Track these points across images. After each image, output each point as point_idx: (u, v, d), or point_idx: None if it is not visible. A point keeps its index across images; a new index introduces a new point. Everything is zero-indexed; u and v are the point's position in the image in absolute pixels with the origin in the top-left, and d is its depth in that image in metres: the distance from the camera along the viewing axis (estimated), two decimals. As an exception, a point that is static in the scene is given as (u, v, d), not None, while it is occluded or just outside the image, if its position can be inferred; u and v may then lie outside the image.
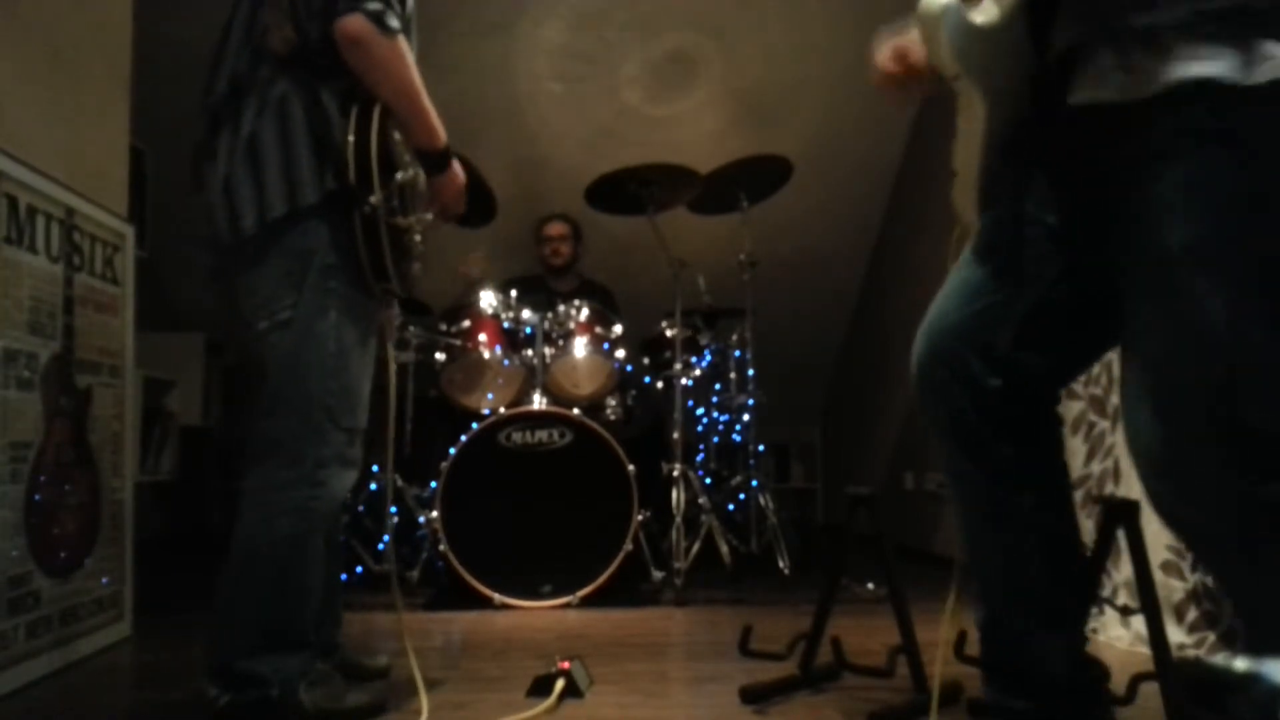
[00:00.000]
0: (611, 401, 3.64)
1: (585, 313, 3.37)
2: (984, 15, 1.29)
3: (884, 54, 1.49)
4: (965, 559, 1.50)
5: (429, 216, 1.92)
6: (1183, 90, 1.13)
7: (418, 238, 1.90)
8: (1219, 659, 1.98)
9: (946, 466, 1.48)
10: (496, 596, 2.96)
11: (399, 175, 1.81)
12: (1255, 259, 1.15)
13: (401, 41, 1.74)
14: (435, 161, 1.90)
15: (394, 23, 1.72)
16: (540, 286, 4.12)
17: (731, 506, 3.80)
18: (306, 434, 1.72)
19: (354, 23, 1.68)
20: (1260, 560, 1.16)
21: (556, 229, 4.21)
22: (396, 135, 1.82)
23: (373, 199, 1.71)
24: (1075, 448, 2.74)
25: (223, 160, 1.75)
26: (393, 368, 1.92)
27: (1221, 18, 1.12)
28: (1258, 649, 1.12)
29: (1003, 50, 1.31)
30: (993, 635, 1.48)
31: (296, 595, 1.74)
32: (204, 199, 1.79)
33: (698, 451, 4.04)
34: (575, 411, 3.16)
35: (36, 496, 2.03)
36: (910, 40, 1.46)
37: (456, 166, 1.95)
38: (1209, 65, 1.12)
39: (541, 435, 3.11)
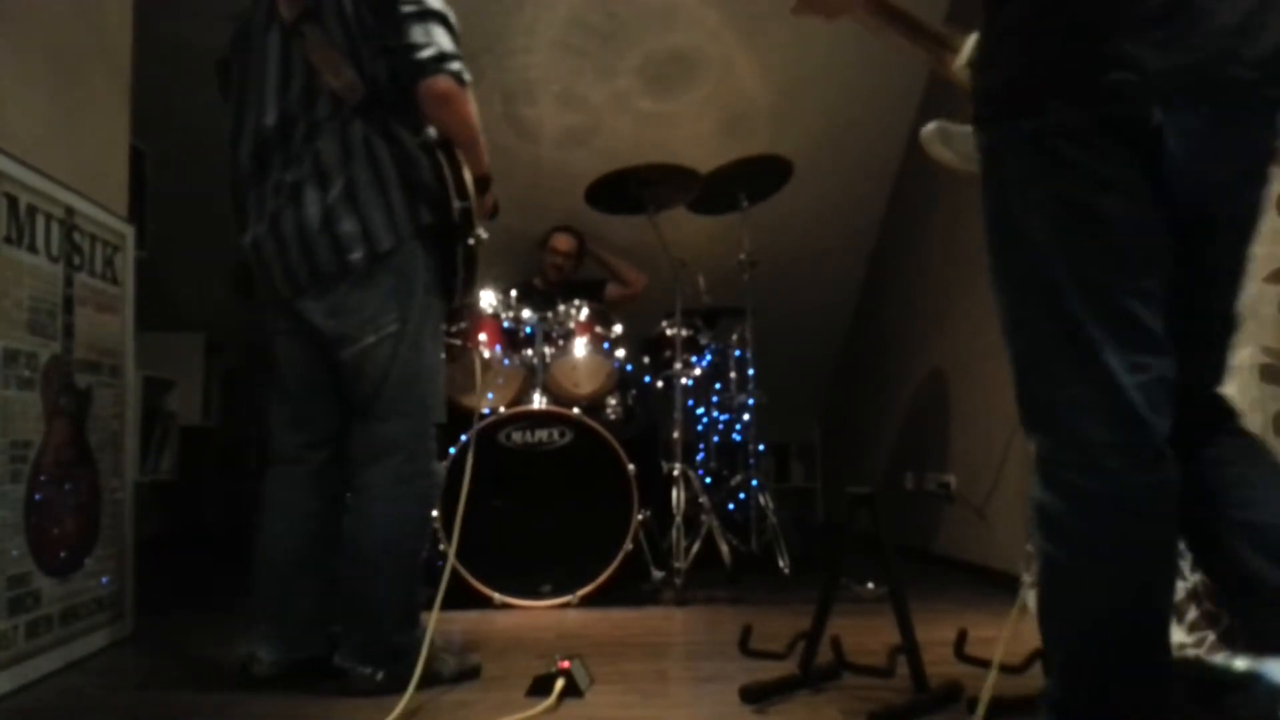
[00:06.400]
0: (611, 401, 3.64)
1: (585, 312, 3.37)
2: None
3: None
4: None
5: (485, 235, 2.09)
6: None
7: None
8: (1219, 659, 1.99)
9: None
10: (496, 596, 2.96)
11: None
12: None
13: (470, 89, 1.95)
14: (483, 185, 2.09)
15: (468, 75, 1.93)
16: (533, 291, 4.11)
17: (731, 506, 3.80)
18: (419, 433, 2.00)
19: (443, 84, 1.89)
20: None
21: (564, 243, 4.20)
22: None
23: (478, 233, 2.01)
24: (1075, 447, 2.73)
25: (312, 198, 1.92)
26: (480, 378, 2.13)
27: None
28: None
29: None
30: None
31: (421, 571, 2.02)
32: (273, 229, 1.95)
33: (698, 451, 4.04)
34: (575, 411, 3.16)
35: (36, 496, 2.03)
36: None
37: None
38: None
39: (541, 435, 3.11)
